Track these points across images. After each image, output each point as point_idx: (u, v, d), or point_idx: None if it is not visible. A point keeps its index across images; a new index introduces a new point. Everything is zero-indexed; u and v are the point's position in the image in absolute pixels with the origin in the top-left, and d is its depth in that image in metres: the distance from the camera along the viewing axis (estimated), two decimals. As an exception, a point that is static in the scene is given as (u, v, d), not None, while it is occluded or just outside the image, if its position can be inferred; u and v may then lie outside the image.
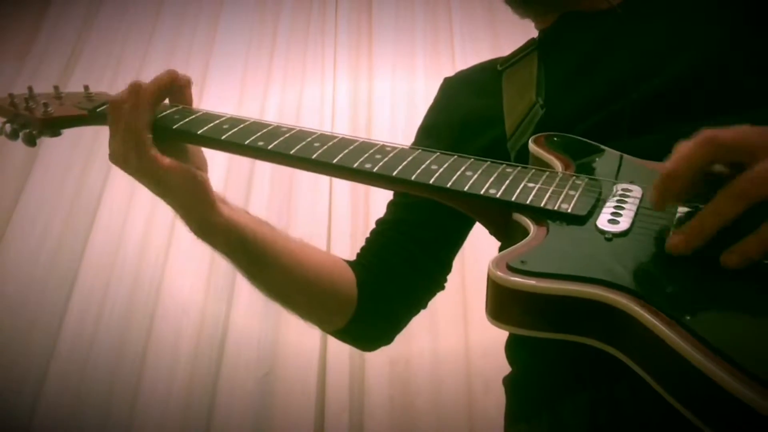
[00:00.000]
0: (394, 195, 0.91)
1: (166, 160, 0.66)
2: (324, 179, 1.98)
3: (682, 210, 0.55)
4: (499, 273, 0.51)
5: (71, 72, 2.28)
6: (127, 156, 0.67)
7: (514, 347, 0.78)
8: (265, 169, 1.99)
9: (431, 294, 0.88)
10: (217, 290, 1.84)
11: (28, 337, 1.80)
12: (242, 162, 1.98)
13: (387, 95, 2.13)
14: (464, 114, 0.87)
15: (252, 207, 1.92)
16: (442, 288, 0.89)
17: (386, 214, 0.90)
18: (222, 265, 1.87)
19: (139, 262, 1.90)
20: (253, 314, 1.79)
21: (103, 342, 1.78)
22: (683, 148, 0.50)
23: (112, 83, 2.17)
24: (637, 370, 0.48)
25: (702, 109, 0.67)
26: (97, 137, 2.10)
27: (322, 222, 1.90)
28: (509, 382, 0.78)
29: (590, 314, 0.49)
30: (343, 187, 1.95)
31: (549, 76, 0.81)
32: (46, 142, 2.12)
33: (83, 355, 1.76)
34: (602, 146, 0.68)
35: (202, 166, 0.72)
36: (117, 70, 2.27)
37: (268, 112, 2.14)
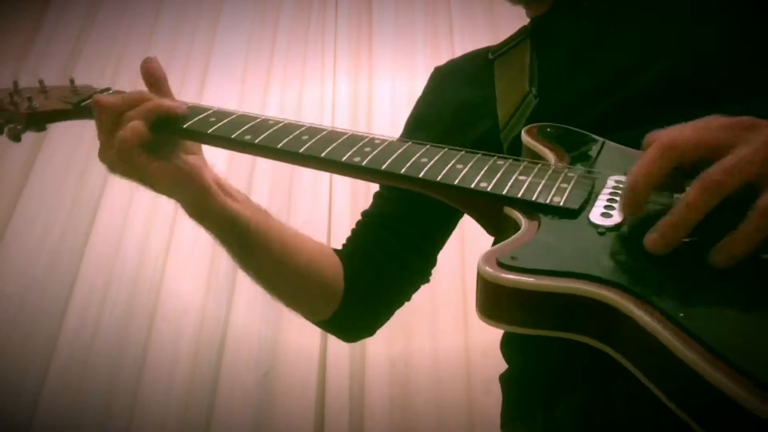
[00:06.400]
0: (381, 187, 0.90)
1: (153, 165, 0.65)
2: (324, 181, 1.98)
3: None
4: (488, 269, 0.49)
5: (71, 72, 2.28)
6: (114, 162, 0.67)
7: (509, 345, 0.77)
8: (265, 170, 1.99)
9: (414, 287, 0.88)
10: (217, 290, 1.84)
11: (28, 337, 1.79)
12: (242, 163, 1.98)
13: (387, 95, 2.13)
14: (455, 106, 0.86)
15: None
16: (427, 281, 0.88)
17: (371, 206, 0.90)
18: (222, 265, 1.88)
19: (139, 262, 1.90)
20: (253, 314, 1.79)
21: (103, 342, 1.78)
22: (645, 158, 0.49)
23: (113, 83, 2.16)
24: (631, 369, 0.47)
25: (697, 100, 0.64)
26: (97, 137, 2.10)
27: (321, 224, 1.90)
28: (505, 380, 0.77)
29: (583, 311, 0.48)
30: (343, 188, 1.95)
31: (542, 65, 0.80)
32: (47, 142, 2.12)
33: (83, 355, 1.76)
34: (597, 137, 0.66)
35: (197, 148, 0.72)
36: (117, 70, 2.27)
37: (268, 112, 2.11)
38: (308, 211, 1.93)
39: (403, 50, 2.23)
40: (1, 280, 1.89)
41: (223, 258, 2.03)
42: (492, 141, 0.72)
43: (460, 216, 0.88)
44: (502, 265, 0.49)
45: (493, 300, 0.50)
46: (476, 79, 0.87)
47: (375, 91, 2.16)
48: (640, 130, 0.64)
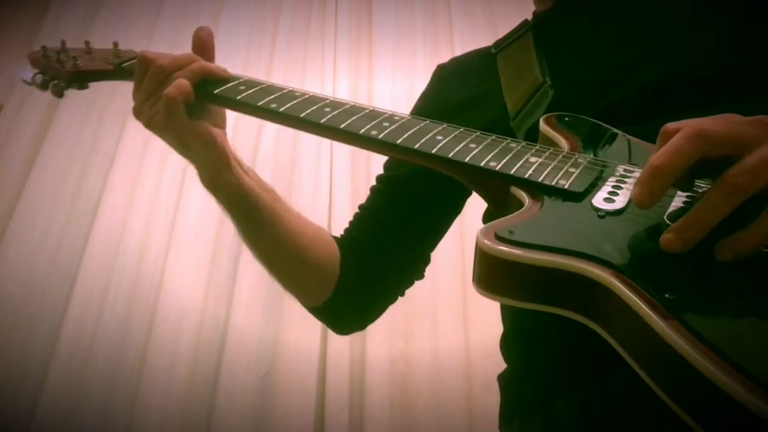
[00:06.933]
0: (377, 180, 0.91)
1: (191, 125, 0.68)
2: (325, 172, 1.98)
3: (681, 193, 0.54)
4: (486, 241, 0.51)
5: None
6: (155, 117, 0.69)
7: (508, 344, 0.78)
8: (265, 165, 1.99)
9: (406, 283, 0.89)
10: (217, 290, 1.84)
11: (28, 337, 1.80)
12: (243, 153, 1.98)
13: (387, 95, 2.13)
14: (457, 100, 0.87)
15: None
16: (421, 277, 0.89)
17: (367, 199, 0.90)
18: (222, 265, 1.88)
19: (139, 262, 1.90)
20: (253, 314, 1.79)
21: (103, 342, 1.78)
22: (672, 143, 0.47)
23: (113, 83, 2.16)
24: (618, 350, 0.47)
25: (697, 98, 0.66)
26: (97, 137, 2.11)
27: (322, 212, 1.90)
28: (504, 380, 0.77)
29: (574, 287, 0.49)
30: (344, 183, 1.95)
31: (551, 57, 0.80)
32: (47, 142, 2.12)
33: (83, 355, 1.76)
34: (612, 128, 0.68)
35: (222, 122, 0.74)
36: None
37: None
38: (308, 200, 1.92)
39: (403, 50, 2.23)
40: (1, 280, 1.89)
41: (223, 258, 2.03)
42: (498, 130, 0.73)
43: (455, 215, 0.89)
44: (499, 238, 0.51)
45: (490, 272, 0.52)
46: (479, 75, 0.88)
47: (375, 91, 2.16)
48: (643, 126, 0.65)
